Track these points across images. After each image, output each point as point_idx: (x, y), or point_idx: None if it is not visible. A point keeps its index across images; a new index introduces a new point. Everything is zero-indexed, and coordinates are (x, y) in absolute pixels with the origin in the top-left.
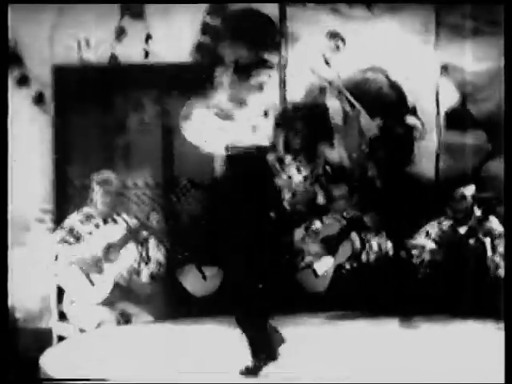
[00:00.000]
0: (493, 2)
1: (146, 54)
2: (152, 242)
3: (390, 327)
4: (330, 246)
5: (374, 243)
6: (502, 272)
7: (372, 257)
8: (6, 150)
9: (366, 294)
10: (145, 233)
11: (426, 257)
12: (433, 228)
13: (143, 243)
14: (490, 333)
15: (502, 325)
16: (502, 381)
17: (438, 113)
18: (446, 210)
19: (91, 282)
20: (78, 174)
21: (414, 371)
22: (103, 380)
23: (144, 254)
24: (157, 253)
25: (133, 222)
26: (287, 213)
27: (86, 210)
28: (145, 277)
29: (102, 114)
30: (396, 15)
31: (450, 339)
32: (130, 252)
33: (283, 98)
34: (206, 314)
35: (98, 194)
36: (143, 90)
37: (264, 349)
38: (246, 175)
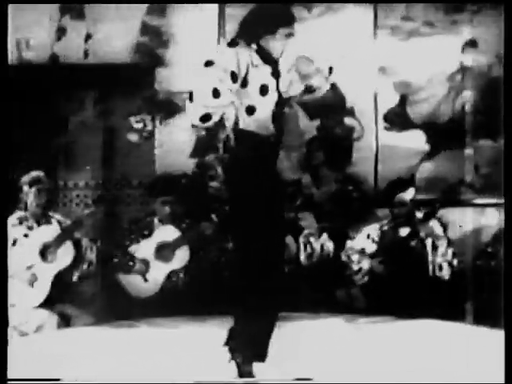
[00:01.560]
0: (493, 2)
1: (86, 54)
2: (85, 242)
3: (335, 325)
4: None
5: (317, 245)
6: (444, 273)
7: (314, 259)
8: None
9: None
10: (78, 233)
11: (366, 260)
12: (373, 230)
13: (76, 243)
14: (430, 332)
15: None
16: (502, 381)
17: (377, 114)
18: (386, 213)
19: (30, 283)
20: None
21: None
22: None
23: (77, 254)
24: (89, 253)
25: (66, 221)
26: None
27: (19, 212)
28: (76, 277)
29: (42, 114)
30: (335, 16)
31: (394, 339)
32: (67, 252)
33: None
34: (147, 316)
35: (28, 196)
36: (84, 89)
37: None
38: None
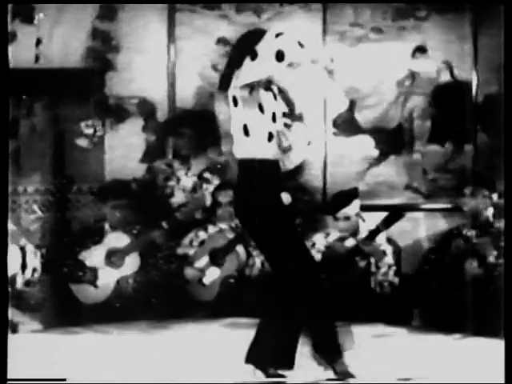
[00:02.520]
0: (493, 2)
1: (37, 59)
2: (30, 248)
3: None
4: (217, 257)
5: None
6: (386, 291)
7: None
8: None
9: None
10: (23, 239)
11: None
12: (319, 239)
13: (21, 249)
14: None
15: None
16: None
17: (325, 119)
18: (333, 222)
19: None
20: None
21: None
22: None
23: (22, 260)
24: (34, 259)
25: (13, 228)
26: (178, 221)
27: None
28: (20, 284)
29: None
30: (284, 21)
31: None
32: (15, 258)
33: (172, 103)
34: (96, 322)
35: None
36: (34, 94)
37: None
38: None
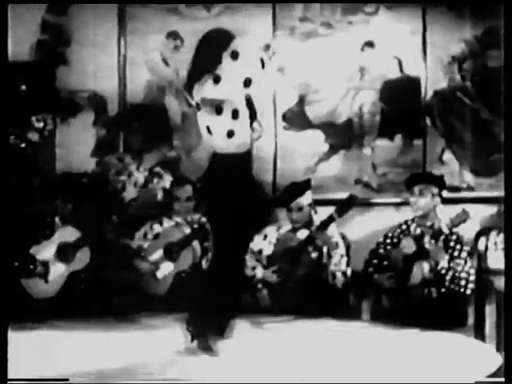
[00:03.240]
0: (493, 2)
1: None
2: None
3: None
4: (172, 252)
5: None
6: (338, 282)
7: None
8: None
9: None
10: None
11: (259, 269)
12: (271, 232)
13: None
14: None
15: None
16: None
17: (275, 114)
18: (284, 215)
19: None
20: None
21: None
22: None
23: None
24: None
25: None
26: (130, 215)
27: None
28: None
29: None
30: (233, 16)
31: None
32: None
33: (123, 97)
34: (47, 317)
35: None
36: None
37: None
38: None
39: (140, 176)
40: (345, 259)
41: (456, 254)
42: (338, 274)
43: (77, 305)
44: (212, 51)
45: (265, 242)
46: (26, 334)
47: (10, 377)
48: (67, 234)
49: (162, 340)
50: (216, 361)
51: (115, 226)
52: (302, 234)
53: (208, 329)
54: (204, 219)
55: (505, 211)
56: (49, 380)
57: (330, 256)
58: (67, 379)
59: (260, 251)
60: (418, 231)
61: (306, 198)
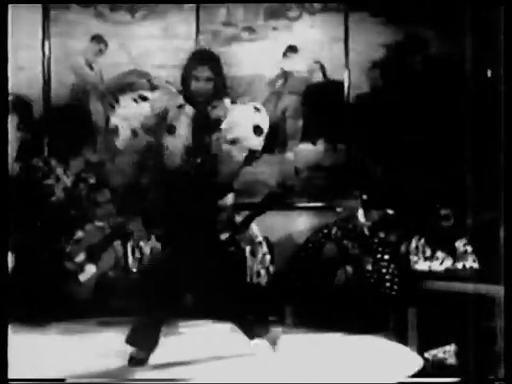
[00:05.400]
0: (493, 3)
1: None
2: None
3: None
4: (93, 254)
5: (147, 248)
6: (262, 280)
7: (146, 262)
8: None
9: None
10: None
11: None
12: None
13: None
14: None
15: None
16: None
17: None
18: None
19: None
20: None
21: None
22: None
23: None
24: None
25: None
26: (55, 219)
27: None
28: None
29: None
30: (157, 21)
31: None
32: None
33: (47, 101)
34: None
35: None
36: None
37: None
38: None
39: (68, 181)
40: (268, 257)
41: (379, 256)
42: (263, 272)
43: None
44: None
45: None
46: None
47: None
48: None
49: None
50: None
51: (39, 230)
52: (224, 235)
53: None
54: (121, 219)
55: (505, 212)
56: (48, 380)
57: (253, 255)
58: (62, 379)
59: None
60: (339, 234)
61: (228, 200)
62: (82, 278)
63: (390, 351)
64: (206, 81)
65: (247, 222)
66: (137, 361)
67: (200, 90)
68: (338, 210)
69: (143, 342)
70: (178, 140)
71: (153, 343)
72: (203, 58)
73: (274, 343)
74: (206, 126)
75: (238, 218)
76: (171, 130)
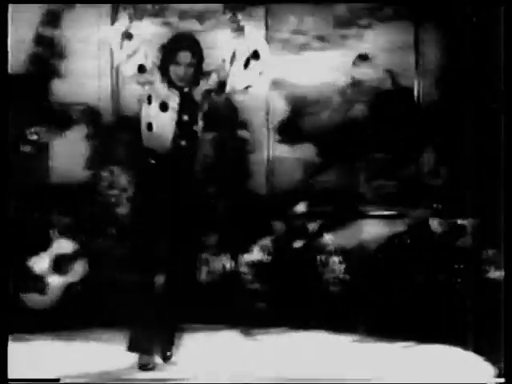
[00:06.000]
0: (493, 3)
1: None
2: None
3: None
4: None
5: (218, 263)
6: (335, 288)
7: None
8: None
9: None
10: None
11: (261, 271)
12: (268, 242)
13: None
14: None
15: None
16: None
17: (269, 126)
18: (280, 225)
19: None
20: None
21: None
22: None
23: None
24: None
25: None
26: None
27: None
28: None
29: None
30: (226, 29)
31: (289, 349)
32: None
33: (116, 110)
34: (44, 329)
35: None
36: None
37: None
38: None
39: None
40: (342, 266)
41: (452, 265)
42: (336, 281)
43: (75, 316)
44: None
45: (262, 253)
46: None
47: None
48: (64, 245)
49: None
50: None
51: (112, 238)
52: (298, 243)
53: (156, 344)
54: None
55: (504, 213)
56: (48, 380)
57: (325, 264)
58: (58, 379)
59: (257, 261)
60: (411, 243)
61: (300, 208)
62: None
63: (464, 361)
64: (187, 66)
65: (320, 231)
66: (144, 365)
67: (180, 75)
68: (409, 218)
69: (147, 347)
70: (169, 119)
71: (162, 345)
72: (185, 42)
73: None
74: (190, 109)
75: (311, 227)
76: (164, 107)
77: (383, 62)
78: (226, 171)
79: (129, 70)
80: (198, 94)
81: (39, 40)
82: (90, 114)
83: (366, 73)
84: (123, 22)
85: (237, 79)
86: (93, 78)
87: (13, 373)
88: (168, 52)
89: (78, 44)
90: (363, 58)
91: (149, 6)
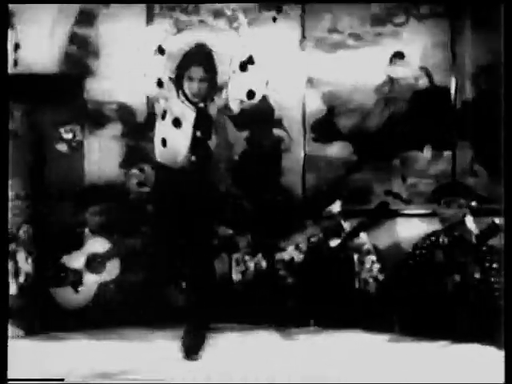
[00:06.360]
0: (493, 2)
1: (15, 64)
2: (21, 254)
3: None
4: None
5: (251, 263)
6: (370, 288)
7: (248, 276)
8: None
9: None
10: (13, 245)
11: (295, 270)
12: (302, 240)
13: (12, 255)
14: (356, 343)
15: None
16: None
17: (304, 125)
18: (315, 224)
19: None
20: None
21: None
22: None
23: (13, 266)
24: (26, 265)
25: None
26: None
27: None
28: (14, 289)
29: None
30: (262, 28)
31: (324, 349)
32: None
33: (150, 108)
34: (77, 328)
35: None
36: (12, 99)
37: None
38: None
39: None
40: (377, 265)
41: (488, 265)
42: (370, 281)
43: (106, 316)
44: None
45: (296, 251)
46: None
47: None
48: (97, 244)
49: None
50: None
51: (144, 237)
52: (334, 242)
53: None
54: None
55: (504, 212)
56: (47, 380)
57: (361, 263)
58: (63, 379)
59: (291, 260)
60: (447, 242)
61: (335, 207)
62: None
63: (498, 361)
64: (200, 81)
65: (357, 230)
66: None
67: (194, 90)
68: (444, 217)
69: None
70: (183, 135)
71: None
72: (197, 58)
73: None
74: (204, 125)
75: (346, 225)
76: (177, 123)
77: (419, 59)
78: (260, 169)
79: (149, 84)
80: (213, 108)
81: (73, 39)
82: (125, 113)
83: (401, 71)
84: (160, 32)
85: (236, 83)
86: (127, 76)
87: (47, 370)
88: (181, 67)
89: (113, 43)
90: (399, 56)
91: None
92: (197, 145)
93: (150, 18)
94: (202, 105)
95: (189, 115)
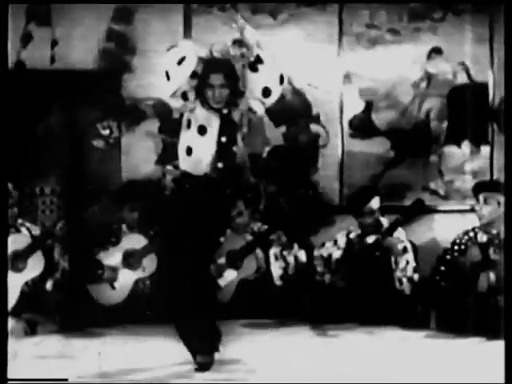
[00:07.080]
0: (493, 2)
1: (52, 60)
2: (57, 250)
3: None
4: (234, 260)
5: (290, 257)
6: (405, 287)
7: (290, 271)
8: None
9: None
10: (50, 241)
11: (327, 275)
12: (340, 237)
13: (48, 251)
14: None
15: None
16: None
17: (342, 121)
18: (351, 220)
19: None
20: None
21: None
22: None
23: (49, 262)
24: (62, 261)
25: (36, 230)
26: None
27: None
28: (50, 285)
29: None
30: (300, 23)
31: (363, 347)
32: (38, 261)
33: None
34: (114, 324)
35: None
36: (50, 96)
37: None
38: None
39: None
40: (412, 265)
41: None
42: (404, 280)
43: (142, 312)
44: None
45: (334, 247)
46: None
47: (67, 379)
48: (134, 240)
49: None
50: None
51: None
52: (371, 238)
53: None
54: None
55: (505, 211)
56: (48, 380)
57: (396, 262)
58: (66, 379)
59: (329, 256)
60: (485, 239)
61: (374, 203)
62: (222, 282)
63: None
64: (220, 87)
65: (394, 227)
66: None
67: (215, 97)
68: (480, 214)
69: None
70: (208, 142)
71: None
72: (216, 66)
73: None
74: (229, 131)
75: (384, 222)
76: (203, 130)
77: (457, 55)
78: (297, 165)
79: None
80: (237, 114)
81: (110, 36)
82: (162, 109)
83: (439, 66)
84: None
85: (251, 84)
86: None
87: (84, 367)
88: (201, 76)
89: (150, 39)
90: (437, 51)
91: None
92: (222, 151)
93: (187, 15)
94: (225, 111)
95: (214, 122)
